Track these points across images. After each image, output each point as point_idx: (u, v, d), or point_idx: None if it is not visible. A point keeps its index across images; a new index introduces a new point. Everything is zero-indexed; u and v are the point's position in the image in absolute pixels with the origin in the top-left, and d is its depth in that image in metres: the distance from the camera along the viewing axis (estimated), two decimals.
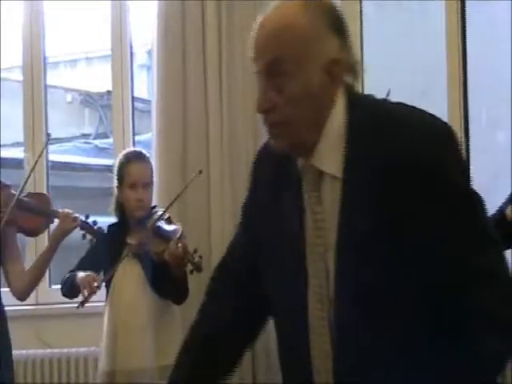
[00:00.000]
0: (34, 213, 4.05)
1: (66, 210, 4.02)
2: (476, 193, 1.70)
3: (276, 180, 1.88)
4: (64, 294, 4.10)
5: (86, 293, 3.90)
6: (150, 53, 5.18)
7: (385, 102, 1.89)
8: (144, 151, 4.34)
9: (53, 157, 5.54)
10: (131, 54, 5.20)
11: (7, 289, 3.98)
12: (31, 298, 4.62)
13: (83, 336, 4.71)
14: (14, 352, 4.21)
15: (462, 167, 1.71)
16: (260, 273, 1.91)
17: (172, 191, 4.37)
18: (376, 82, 4.62)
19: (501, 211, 3.63)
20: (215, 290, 2.09)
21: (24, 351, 4.81)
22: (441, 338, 1.64)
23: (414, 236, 1.63)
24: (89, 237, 4.09)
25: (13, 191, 3.98)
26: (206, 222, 4.63)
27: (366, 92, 2.16)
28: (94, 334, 4.31)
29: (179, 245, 3.87)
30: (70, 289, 3.98)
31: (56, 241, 3.99)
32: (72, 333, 4.84)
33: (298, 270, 1.78)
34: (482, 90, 5.53)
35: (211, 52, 4.69)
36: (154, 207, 4.15)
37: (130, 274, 4.08)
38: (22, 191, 3.97)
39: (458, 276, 1.63)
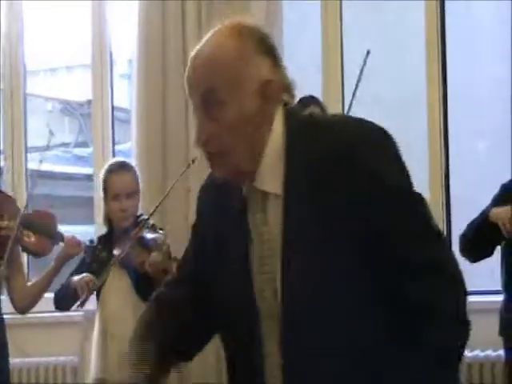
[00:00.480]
0: (40, 234, 4.04)
1: (71, 236, 4.04)
2: (416, 192, 1.73)
3: (219, 207, 1.89)
4: (58, 305, 4.13)
5: (83, 293, 3.91)
6: (130, 62, 5.20)
7: (321, 115, 1.92)
8: (127, 161, 4.35)
9: (31, 165, 5.50)
10: (111, 63, 5.22)
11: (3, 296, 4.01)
12: (9, 308, 4.48)
13: (61, 345, 4.74)
14: None
15: (399, 166, 1.72)
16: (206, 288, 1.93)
17: (152, 200, 4.33)
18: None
19: (483, 214, 3.73)
20: (160, 298, 2.14)
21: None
22: (390, 335, 1.67)
23: (358, 236, 1.66)
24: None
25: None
26: (186, 230, 4.63)
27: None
28: (71, 343, 4.37)
29: (157, 255, 3.89)
30: (67, 294, 4.00)
31: (60, 263, 4.00)
32: (49, 342, 4.84)
33: (245, 283, 1.82)
34: (462, 98, 5.58)
35: None
36: (140, 216, 4.13)
37: (117, 283, 4.10)
38: (25, 209, 3.99)
39: (401, 269, 1.66)
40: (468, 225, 3.89)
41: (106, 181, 4.12)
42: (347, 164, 1.66)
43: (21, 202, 4.76)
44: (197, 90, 1.74)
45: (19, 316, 4.66)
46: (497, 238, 3.75)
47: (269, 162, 1.75)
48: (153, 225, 4.04)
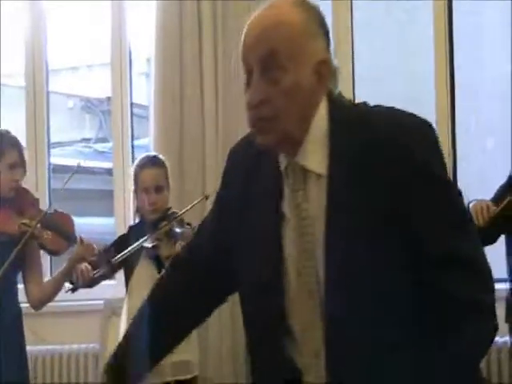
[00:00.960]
0: (58, 234, 4.10)
1: (86, 241, 4.09)
2: (452, 182, 1.77)
3: (251, 175, 1.88)
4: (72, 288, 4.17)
5: (77, 280, 4.00)
6: (148, 61, 5.28)
7: (364, 104, 1.89)
8: (158, 156, 4.42)
9: (54, 160, 5.57)
10: (130, 61, 5.26)
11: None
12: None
13: (82, 333, 4.85)
14: None
15: (439, 157, 1.74)
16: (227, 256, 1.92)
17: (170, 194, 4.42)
18: (366, 91, 4.77)
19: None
20: (178, 262, 2.21)
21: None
22: (424, 326, 1.68)
23: (399, 223, 1.67)
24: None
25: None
26: None
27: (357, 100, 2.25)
28: (92, 330, 4.47)
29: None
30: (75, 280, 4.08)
31: (73, 265, 4.06)
32: (71, 330, 4.94)
33: (275, 263, 1.80)
34: (471, 98, 5.58)
35: (208, 60, 4.78)
36: (169, 209, 4.22)
37: (145, 274, 4.18)
38: (48, 211, 4.03)
39: (440, 260, 1.67)
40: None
41: (136, 174, 4.21)
42: (391, 152, 1.68)
43: (42, 197, 5.01)
44: (257, 52, 1.72)
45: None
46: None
47: (313, 140, 1.75)
48: (181, 219, 4.10)
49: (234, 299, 2.12)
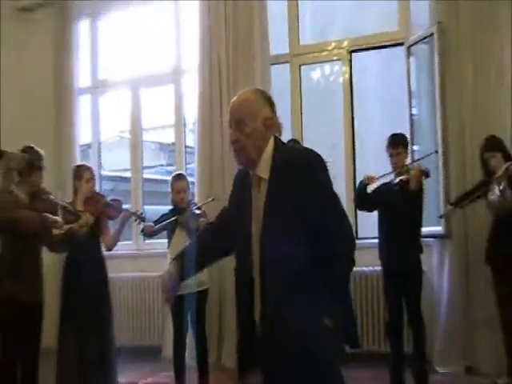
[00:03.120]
0: (115, 209, 5.36)
1: (128, 210, 5.36)
2: (324, 181, 2.49)
3: (243, 184, 2.61)
4: (141, 232, 5.54)
5: (148, 230, 5.34)
6: (194, 124, 7.26)
7: (292, 143, 3.18)
8: (183, 172, 5.79)
9: (146, 175, 7.48)
10: (185, 125, 7.53)
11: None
12: (133, 246, 6.91)
13: (155, 265, 6.44)
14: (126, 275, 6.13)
15: (323, 175, 2.48)
16: (230, 227, 2.65)
17: (205, 192, 6.34)
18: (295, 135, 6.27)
19: None
20: (208, 230, 3.07)
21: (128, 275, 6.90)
22: (317, 264, 2.36)
23: (299, 203, 2.37)
24: (135, 218, 5.41)
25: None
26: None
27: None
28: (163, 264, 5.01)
29: (203, 220, 5.26)
30: (143, 230, 5.45)
31: (124, 222, 5.35)
32: (151, 264, 6.79)
33: (248, 224, 2.53)
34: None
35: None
36: (190, 201, 5.54)
37: (179, 239, 5.36)
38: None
39: (320, 224, 2.38)
40: None
41: (172, 183, 5.54)
42: (298, 168, 2.41)
43: (139, 198, 7.06)
44: (233, 117, 2.55)
45: (138, 251, 6.82)
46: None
47: (263, 161, 2.52)
48: (198, 207, 5.51)
49: None
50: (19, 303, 4.27)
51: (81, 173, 5.25)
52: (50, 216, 4.34)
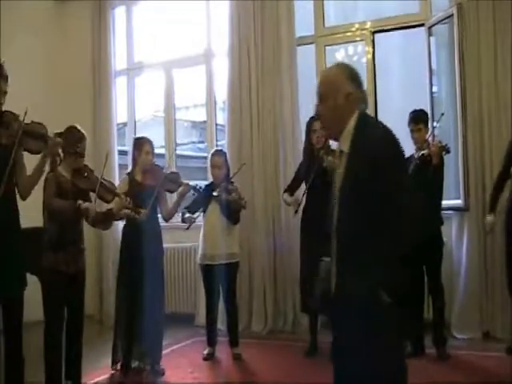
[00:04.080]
0: (174, 182, 5.34)
1: (187, 184, 5.34)
2: (397, 165, 2.53)
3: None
4: (183, 222, 5.64)
5: (188, 221, 5.55)
6: (224, 103, 7.50)
7: (377, 122, 2.71)
8: (222, 149, 6.03)
9: (179, 152, 7.80)
10: (215, 103, 7.71)
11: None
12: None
13: (189, 236, 6.41)
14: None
15: (393, 153, 2.51)
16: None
17: (234, 167, 6.05)
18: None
19: None
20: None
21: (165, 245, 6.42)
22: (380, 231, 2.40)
23: (367, 179, 2.42)
24: (193, 192, 5.49)
25: None
26: (250, 186, 6.85)
27: None
28: (197, 235, 5.86)
29: (235, 195, 5.51)
30: (183, 219, 5.64)
31: (184, 195, 5.36)
32: (184, 235, 6.35)
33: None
34: None
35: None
36: (227, 176, 5.70)
37: (214, 209, 5.67)
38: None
39: (389, 205, 2.40)
40: None
41: (211, 159, 5.78)
42: (369, 145, 2.46)
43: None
44: (317, 92, 2.65)
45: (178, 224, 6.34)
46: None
47: (345, 134, 2.60)
48: (232, 182, 5.70)
49: None
50: (60, 273, 4.40)
51: (141, 145, 5.30)
52: (82, 203, 4.41)
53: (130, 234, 5.21)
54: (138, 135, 6.17)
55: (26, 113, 3.94)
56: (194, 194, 5.44)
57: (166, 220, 5.41)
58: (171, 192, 5.48)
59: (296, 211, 5.43)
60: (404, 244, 2.46)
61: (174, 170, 5.75)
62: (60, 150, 4.44)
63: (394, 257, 2.44)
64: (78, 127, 4.59)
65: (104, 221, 4.73)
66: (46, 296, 4.39)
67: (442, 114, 5.61)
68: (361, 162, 2.46)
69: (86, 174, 4.57)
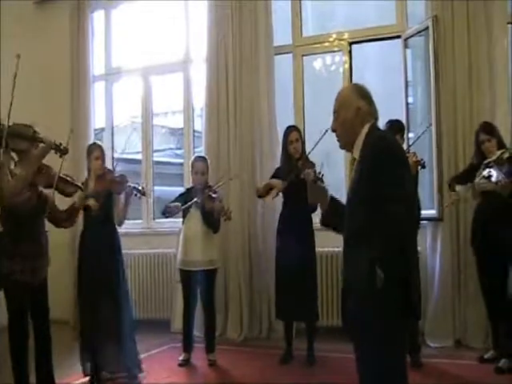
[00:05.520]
0: (119, 184, 5.19)
1: (129, 185, 5.16)
2: (398, 167, 2.70)
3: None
4: (163, 214, 5.54)
5: (172, 211, 5.46)
6: (202, 110, 7.47)
7: (384, 132, 3.06)
8: (203, 155, 5.98)
9: (156, 158, 7.67)
10: (193, 110, 7.66)
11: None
12: (144, 224, 7.07)
13: (165, 242, 6.84)
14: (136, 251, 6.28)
15: (394, 157, 2.71)
16: None
17: (211, 177, 5.98)
18: (297, 121, 6.02)
19: None
20: None
21: (140, 251, 7.07)
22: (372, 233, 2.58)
23: (375, 184, 2.61)
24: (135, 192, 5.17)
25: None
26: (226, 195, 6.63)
27: None
28: (174, 241, 6.08)
29: (219, 204, 5.44)
30: (166, 210, 5.49)
31: (128, 197, 5.20)
32: (161, 241, 6.98)
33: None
34: None
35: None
36: (207, 183, 5.65)
37: (194, 214, 5.62)
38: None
39: (383, 207, 2.56)
40: None
41: (192, 164, 5.71)
42: (375, 152, 2.67)
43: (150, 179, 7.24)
44: (334, 108, 2.91)
45: (149, 230, 6.93)
46: None
47: (357, 144, 2.83)
48: (214, 190, 5.55)
49: None
50: (18, 281, 4.27)
51: (90, 151, 5.28)
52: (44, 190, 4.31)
53: (85, 243, 5.17)
54: (91, 142, 6.10)
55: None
56: (136, 195, 5.22)
57: (117, 223, 5.28)
58: (117, 193, 5.31)
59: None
60: (390, 246, 2.58)
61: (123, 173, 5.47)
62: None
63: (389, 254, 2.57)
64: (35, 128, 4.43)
65: (68, 218, 4.63)
66: (8, 303, 4.29)
67: (429, 126, 5.71)
68: (364, 166, 2.69)
69: (43, 170, 4.42)
